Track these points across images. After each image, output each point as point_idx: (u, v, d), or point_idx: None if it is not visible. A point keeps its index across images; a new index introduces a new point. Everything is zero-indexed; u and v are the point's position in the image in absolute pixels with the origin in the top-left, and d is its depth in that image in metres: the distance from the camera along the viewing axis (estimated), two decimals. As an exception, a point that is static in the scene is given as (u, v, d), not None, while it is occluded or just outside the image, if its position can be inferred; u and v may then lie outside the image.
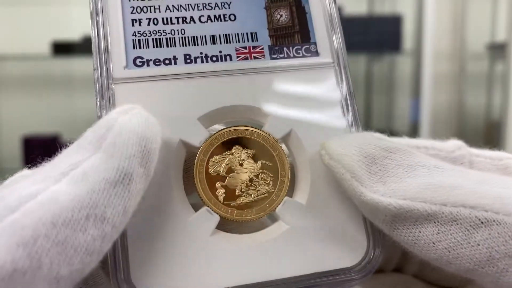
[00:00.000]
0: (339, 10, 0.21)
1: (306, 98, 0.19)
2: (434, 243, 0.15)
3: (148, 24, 0.19)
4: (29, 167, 0.18)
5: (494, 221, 0.14)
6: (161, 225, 0.17)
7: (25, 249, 0.13)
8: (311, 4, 0.21)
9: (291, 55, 0.20)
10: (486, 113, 1.63)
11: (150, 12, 0.19)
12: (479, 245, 0.14)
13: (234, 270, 0.17)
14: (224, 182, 0.18)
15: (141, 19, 0.19)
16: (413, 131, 1.49)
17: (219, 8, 0.20)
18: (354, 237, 0.18)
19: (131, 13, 0.19)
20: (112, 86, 0.18)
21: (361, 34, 1.41)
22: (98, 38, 0.19)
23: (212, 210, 0.18)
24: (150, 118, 0.16)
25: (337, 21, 0.21)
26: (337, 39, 0.20)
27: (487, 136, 1.60)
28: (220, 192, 0.18)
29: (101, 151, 0.15)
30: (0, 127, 1.55)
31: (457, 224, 0.15)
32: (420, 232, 0.15)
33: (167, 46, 0.19)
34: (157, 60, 0.19)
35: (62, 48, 1.44)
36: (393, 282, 0.20)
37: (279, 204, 0.18)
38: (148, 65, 0.19)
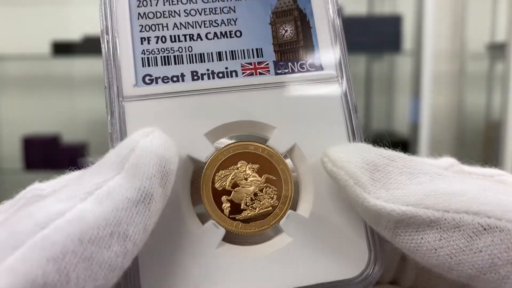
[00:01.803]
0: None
1: (309, 112, 0.20)
2: (436, 250, 0.15)
3: (157, 42, 0.20)
4: (40, 181, 0.19)
5: (496, 227, 0.14)
6: (170, 238, 0.18)
7: (55, 264, 0.13)
8: (316, 18, 0.21)
9: (296, 70, 0.20)
10: (486, 113, 1.63)
11: (159, 30, 0.20)
12: (481, 251, 0.14)
13: (239, 281, 0.18)
14: (229, 196, 0.19)
15: (150, 37, 0.20)
16: (413, 131, 1.49)
17: (225, 25, 0.20)
18: (355, 249, 0.19)
19: (140, 31, 0.20)
20: (123, 103, 0.19)
21: (361, 34, 1.41)
22: (108, 56, 0.19)
23: (218, 223, 0.19)
24: (169, 140, 0.17)
25: (341, 34, 0.21)
26: (341, 52, 0.21)
27: (487, 136, 1.60)
28: (226, 206, 0.19)
29: (124, 172, 0.15)
30: (0, 127, 1.55)
31: (460, 230, 0.15)
32: (422, 238, 0.15)
33: (175, 63, 0.20)
34: (165, 78, 0.19)
35: (62, 48, 1.44)
36: None
37: (283, 217, 0.19)
38: (156, 82, 0.19)
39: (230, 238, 0.19)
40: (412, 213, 0.15)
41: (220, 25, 0.20)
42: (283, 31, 0.21)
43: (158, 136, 0.17)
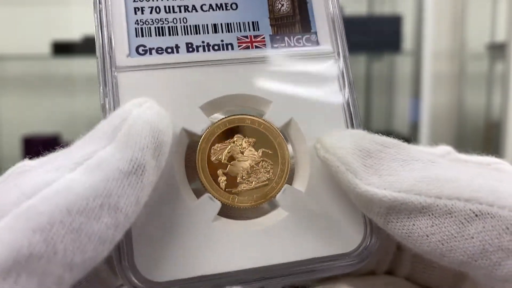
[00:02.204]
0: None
1: (306, 87, 0.20)
2: (428, 236, 0.15)
3: (151, 13, 0.19)
4: (30, 158, 0.18)
5: (488, 214, 0.14)
6: (164, 211, 0.18)
7: (41, 234, 0.13)
8: None
9: (292, 44, 0.20)
10: (486, 113, 1.63)
11: (153, 0, 0.19)
12: (473, 238, 0.14)
13: (235, 255, 0.18)
14: (225, 169, 0.19)
15: (144, 7, 0.19)
16: (413, 131, 1.49)
17: None
18: (351, 224, 0.19)
19: (134, 1, 0.19)
20: (115, 74, 0.18)
21: (361, 34, 1.41)
22: (101, 26, 0.19)
23: (214, 197, 0.18)
24: (162, 111, 0.16)
25: (337, 11, 0.21)
26: (338, 29, 0.21)
27: (487, 136, 1.60)
28: (222, 180, 0.19)
29: (116, 142, 0.15)
30: (0, 127, 1.55)
31: (452, 217, 0.15)
32: (414, 224, 0.15)
33: (169, 34, 0.19)
34: (160, 49, 0.19)
35: (62, 48, 1.44)
36: (385, 284, 0.20)
37: (279, 191, 0.19)
38: (150, 53, 0.19)
39: (225, 212, 0.19)
40: (404, 199, 0.15)
41: None
42: (279, 5, 0.20)
43: (152, 106, 0.16)
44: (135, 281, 0.17)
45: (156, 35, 0.19)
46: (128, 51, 0.19)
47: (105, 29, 0.19)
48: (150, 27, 0.19)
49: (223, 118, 0.19)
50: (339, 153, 0.17)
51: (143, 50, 0.19)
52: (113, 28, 0.19)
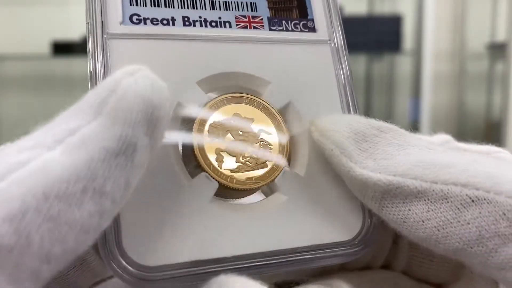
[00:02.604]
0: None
1: (304, 71, 0.20)
2: (423, 221, 0.15)
3: None
4: (11, 141, 0.17)
5: (485, 199, 0.14)
6: (156, 190, 0.16)
7: (11, 223, 0.11)
8: None
9: (290, 29, 0.20)
10: (486, 113, 1.63)
11: None
12: (469, 223, 0.14)
13: (232, 240, 0.17)
14: (223, 148, 0.18)
15: None
16: (413, 131, 1.48)
17: None
18: (350, 210, 0.18)
19: None
20: (107, 40, 0.17)
21: (361, 34, 1.41)
22: None
23: (211, 176, 0.17)
24: (159, 81, 0.14)
25: (335, 1, 0.21)
26: (334, 18, 0.21)
27: (487, 136, 1.60)
28: (219, 158, 0.17)
29: (102, 117, 0.13)
30: (0, 127, 1.55)
31: (448, 202, 0.14)
32: (409, 210, 0.15)
33: (165, 6, 0.18)
34: (155, 19, 0.18)
35: (62, 48, 1.44)
36: (381, 279, 0.20)
37: (278, 174, 0.18)
38: (145, 23, 0.18)
39: (222, 193, 0.18)
40: (399, 183, 0.15)
41: None
42: None
43: (145, 76, 0.14)
44: (125, 264, 0.15)
45: (151, 5, 0.18)
46: (122, 18, 0.18)
47: None
48: None
49: (221, 95, 0.18)
50: (333, 136, 0.17)
51: (137, 19, 0.18)
52: None
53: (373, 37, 1.44)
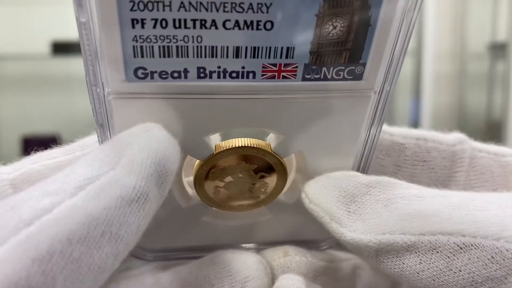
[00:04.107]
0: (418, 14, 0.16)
1: (325, 125, 0.17)
2: (418, 273, 0.15)
3: (154, 27, 0.14)
4: (4, 163, 0.18)
5: (472, 245, 0.14)
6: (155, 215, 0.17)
7: (40, 265, 0.12)
8: (383, 13, 0.15)
9: (329, 77, 0.16)
10: (487, 113, 1.63)
11: (158, 10, 0.14)
12: (460, 271, 0.14)
13: (224, 233, 0.20)
14: (221, 186, 0.19)
15: (145, 19, 0.14)
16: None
17: (253, 11, 0.14)
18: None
19: (131, 10, 0.14)
20: (110, 99, 0.16)
21: (361, 34, 1.40)
22: (87, 41, 0.15)
23: (207, 205, 0.19)
24: (170, 138, 0.16)
25: (406, 44, 0.16)
26: (395, 66, 0.16)
27: (488, 136, 1.60)
28: (216, 193, 0.19)
29: (120, 167, 0.14)
30: (0, 127, 1.55)
31: (437, 252, 0.15)
32: (403, 263, 0.15)
33: (177, 56, 0.15)
34: (164, 73, 0.15)
35: (61, 48, 1.44)
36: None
37: (270, 203, 0.20)
38: (152, 77, 0.15)
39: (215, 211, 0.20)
40: (389, 241, 0.15)
41: (246, 11, 0.14)
42: (331, 27, 0.15)
43: (159, 132, 0.16)
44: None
45: (160, 56, 0.15)
46: (124, 75, 0.15)
47: (93, 47, 0.15)
48: (152, 46, 0.15)
49: (228, 150, 0.18)
50: (322, 204, 0.17)
51: (142, 74, 0.15)
52: (103, 46, 0.15)
53: (373, 37, 1.44)
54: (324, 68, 0.16)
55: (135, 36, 0.15)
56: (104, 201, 0.14)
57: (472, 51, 1.59)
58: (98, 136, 0.17)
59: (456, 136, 0.20)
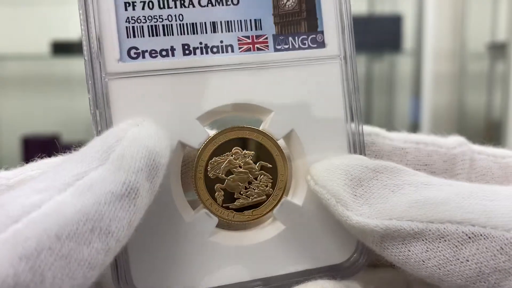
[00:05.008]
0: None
1: (308, 96, 0.19)
2: (424, 261, 0.15)
3: (143, 8, 0.17)
4: (6, 168, 0.18)
5: (481, 235, 0.14)
6: (160, 228, 0.18)
7: (28, 262, 0.12)
8: None
9: (296, 46, 0.19)
10: (487, 113, 1.63)
11: None
12: (468, 261, 0.14)
13: (232, 268, 0.18)
14: (223, 184, 0.18)
15: (135, 2, 0.17)
16: (413, 131, 1.48)
17: None
18: (344, 235, 0.19)
19: None
20: (106, 80, 0.17)
21: (361, 34, 1.40)
22: (87, 25, 0.17)
23: (211, 212, 0.18)
24: (160, 131, 0.16)
25: (348, 8, 0.19)
26: (347, 29, 0.19)
27: (488, 136, 1.60)
28: (219, 195, 0.18)
29: (109, 163, 0.14)
30: (0, 127, 1.55)
31: (445, 240, 0.15)
32: (409, 250, 0.15)
33: (164, 34, 0.17)
34: (153, 52, 0.17)
35: (62, 48, 1.44)
36: (391, 276, 0.20)
37: (277, 205, 0.19)
38: (143, 56, 0.17)
39: (223, 225, 0.19)
40: (396, 227, 0.15)
41: None
42: (285, 0, 0.18)
43: (149, 126, 0.16)
44: None
45: (149, 35, 0.17)
46: (119, 55, 0.17)
47: (92, 28, 0.17)
48: (142, 26, 0.17)
49: (221, 131, 0.18)
50: (328, 186, 0.17)
51: (135, 53, 0.17)
52: (101, 27, 0.17)
53: (373, 37, 1.44)
54: (290, 38, 0.19)
55: (128, 17, 0.17)
56: (93, 197, 0.14)
57: (471, 51, 1.58)
58: (94, 123, 0.17)
59: (455, 139, 0.20)
